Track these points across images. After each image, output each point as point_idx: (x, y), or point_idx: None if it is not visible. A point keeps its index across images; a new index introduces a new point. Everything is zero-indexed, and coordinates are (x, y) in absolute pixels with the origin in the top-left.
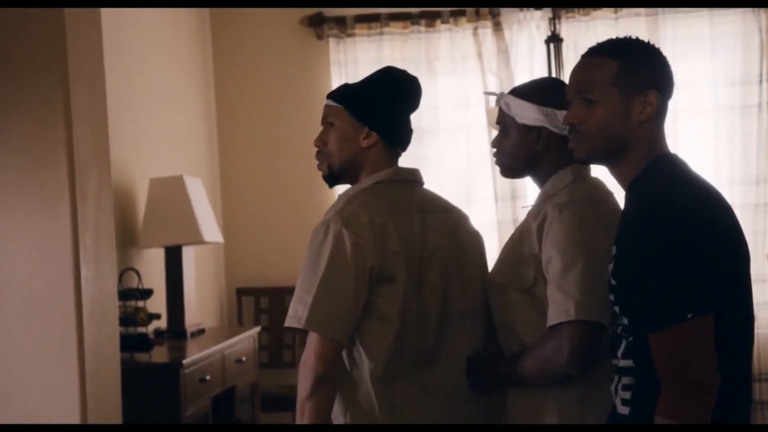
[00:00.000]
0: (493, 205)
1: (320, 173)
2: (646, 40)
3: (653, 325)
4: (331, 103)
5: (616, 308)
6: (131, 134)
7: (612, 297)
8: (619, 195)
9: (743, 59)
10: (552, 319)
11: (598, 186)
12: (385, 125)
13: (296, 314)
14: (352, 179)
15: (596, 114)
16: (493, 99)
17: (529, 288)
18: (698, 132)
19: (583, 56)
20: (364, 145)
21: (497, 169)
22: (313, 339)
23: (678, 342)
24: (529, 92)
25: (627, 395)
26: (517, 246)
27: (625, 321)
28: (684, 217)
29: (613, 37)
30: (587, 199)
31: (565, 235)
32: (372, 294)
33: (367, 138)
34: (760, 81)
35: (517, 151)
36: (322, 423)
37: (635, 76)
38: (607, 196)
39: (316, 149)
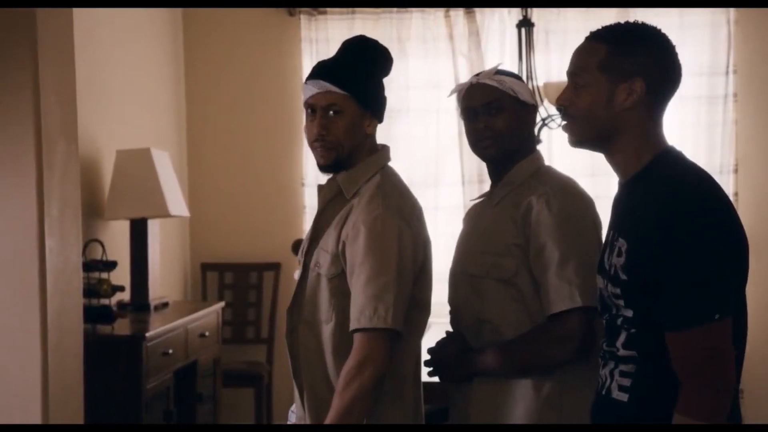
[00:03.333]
0: (460, 189)
1: (312, 160)
2: (656, 27)
3: (678, 324)
4: (336, 89)
5: (621, 301)
6: (99, 105)
7: (617, 290)
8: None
9: (711, 50)
10: (556, 306)
11: (565, 175)
12: (381, 109)
13: (378, 314)
14: (348, 165)
15: (582, 98)
16: (463, 81)
17: (509, 278)
18: (664, 121)
19: (584, 39)
20: (368, 132)
21: (465, 151)
22: (384, 337)
23: (705, 342)
24: (513, 73)
25: (626, 382)
26: (492, 236)
27: (629, 314)
28: (714, 217)
29: (585, 24)
30: (570, 188)
31: (558, 224)
32: (414, 283)
33: (371, 124)
34: (727, 72)
35: (515, 128)
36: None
37: (622, 62)
38: (576, 183)
39: (315, 138)
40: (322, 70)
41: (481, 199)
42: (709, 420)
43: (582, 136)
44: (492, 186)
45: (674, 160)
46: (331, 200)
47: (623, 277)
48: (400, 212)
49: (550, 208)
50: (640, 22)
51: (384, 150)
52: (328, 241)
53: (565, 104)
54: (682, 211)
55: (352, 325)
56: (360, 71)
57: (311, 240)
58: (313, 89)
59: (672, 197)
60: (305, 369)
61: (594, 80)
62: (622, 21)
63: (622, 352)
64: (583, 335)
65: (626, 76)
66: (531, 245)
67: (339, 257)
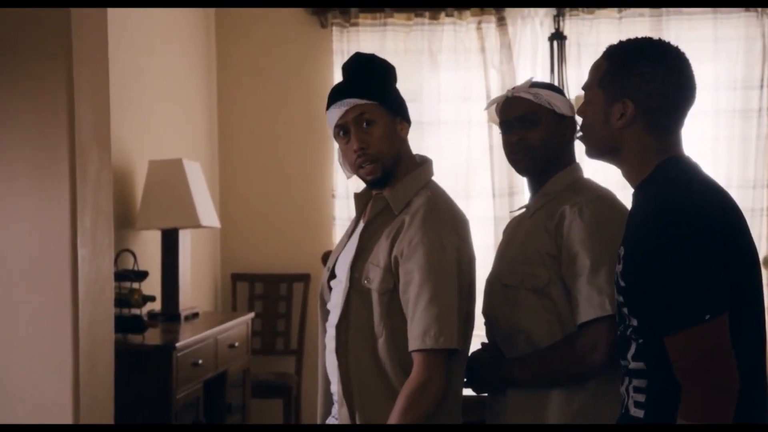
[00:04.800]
0: (490, 201)
1: (352, 176)
2: (666, 44)
3: (669, 328)
4: (362, 101)
5: (625, 309)
6: (133, 116)
7: (621, 298)
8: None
9: (745, 63)
10: (586, 314)
11: (603, 187)
12: (407, 112)
13: (443, 334)
14: (393, 176)
15: (587, 113)
16: (494, 94)
17: (542, 288)
18: (698, 134)
19: None
20: (402, 136)
21: (496, 164)
22: (445, 357)
23: (697, 344)
24: (551, 85)
25: (640, 398)
26: (526, 246)
27: (635, 323)
28: (696, 217)
29: (617, 37)
30: (605, 198)
31: (589, 234)
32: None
33: (403, 128)
34: (762, 86)
35: (550, 140)
36: None
37: (616, 82)
38: (614, 195)
39: (355, 155)
40: (341, 92)
41: (520, 211)
42: (709, 422)
43: (591, 148)
44: (531, 197)
45: (670, 169)
46: (378, 214)
47: (622, 283)
48: (455, 228)
49: (583, 217)
50: (654, 39)
51: (428, 164)
52: (378, 255)
53: (580, 116)
54: (664, 217)
55: (415, 345)
56: (377, 80)
57: (357, 254)
58: (339, 109)
59: (656, 204)
60: (358, 384)
61: (595, 97)
62: (651, 34)
63: (632, 365)
64: (611, 343)
65: (618, 96)
66: (563, 254)
67: (391, 272)
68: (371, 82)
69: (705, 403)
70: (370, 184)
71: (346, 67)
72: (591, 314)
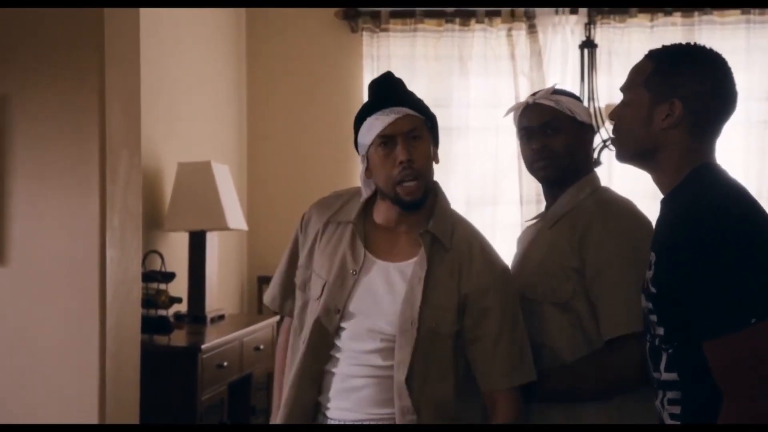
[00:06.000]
0: (518, 207)
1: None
2: (714, 52)
3: (711, 332)
4: (414, 113)
5: (654, 317)
6: (162, 118)
7: (650, 305)
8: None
9: None
10: (615, 330)
11: (623, 196)
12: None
13: (529, 366)
14: (424, 203)
15: (626, 115)
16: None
17: (566, 302)
18: (728, 145)
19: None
20: (436, 163)
21: (524, 171)
22: (520, 394)
23: (743, 347)
24: (571, 93)
25: (675, 410)
26: (549, 260)
27: (661, 332)
28: (739, 221)
29: (649, 45)
30: (629, 210)
31: (617, 246)
32: None
33: (436, 156)
34: None
35: (572, 148)
36: None
37: (665, 82)
38: (635, 204)
39: (399, 167)
40: (389, 99)
41: (535, 221)
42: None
43: (625, 151)
44: (547, 207)
45: (704, 175)
46: (429, 251)
47: (652, 289)
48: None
49: (609, 230)
50: (700, 45)
51: (442, 191)
52: (441, 297)
53: (613, 119)
54: (704, 220)
55: (505, 384)
56: (419, 99)
57: (424, 299)
58: (388, 117)
59: (694, 208)
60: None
61: (637, 97)
62: (686, 42)
63: (665, 376)
64: (643, 360)
65: (666, 97)
66: (588, 268)
67: (461, 313)
68: (417, 99)
69: (748, 409)
70: (408, 205)
71: (383, 82)
72: (620, 330)
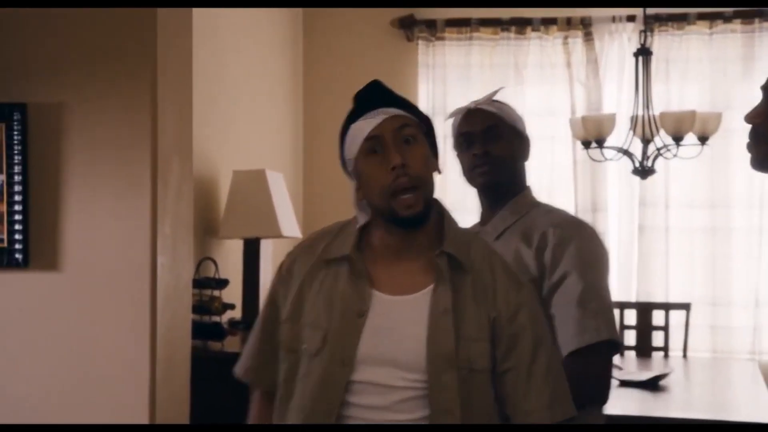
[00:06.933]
0: None
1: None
2: None
3: None
4: (404, 113)
5: None
6: (218, 126)
7: None
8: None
9: None
10: (580, 339)
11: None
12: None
13: (566, 406)
14: (428, 219)
15: None
16: (579, 110)
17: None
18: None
19: None
20: (437, 173)
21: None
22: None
23: None
24: (507, 104)
25: None
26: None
27: None
28: None
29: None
30: (581, 221)
31: (579, 256)
32: None
33: (436, 166)
34: None
35: (512, 156)
36: None
37: None
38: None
39: (393, 174)
40: (373, 100)
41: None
42: None
43: (764, 156)
44: (484, 217)
45: None
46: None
47: None
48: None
49: (569, 240)
50: None
51: (443, 205)
52: (471, 328)
53: (755, 121)
54: None
55: (546, 418)
56: (414, 105)
57: (457, 333)
58: (374, 119)
59: None
60: None
61: None
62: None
63: None
64: (611, 369)
65: None
66: (548, 278)
67: (492, 342)
68: (411, 103)
69: None
70: (408, 221)
71: (368, 88)
72: (586, 339)
